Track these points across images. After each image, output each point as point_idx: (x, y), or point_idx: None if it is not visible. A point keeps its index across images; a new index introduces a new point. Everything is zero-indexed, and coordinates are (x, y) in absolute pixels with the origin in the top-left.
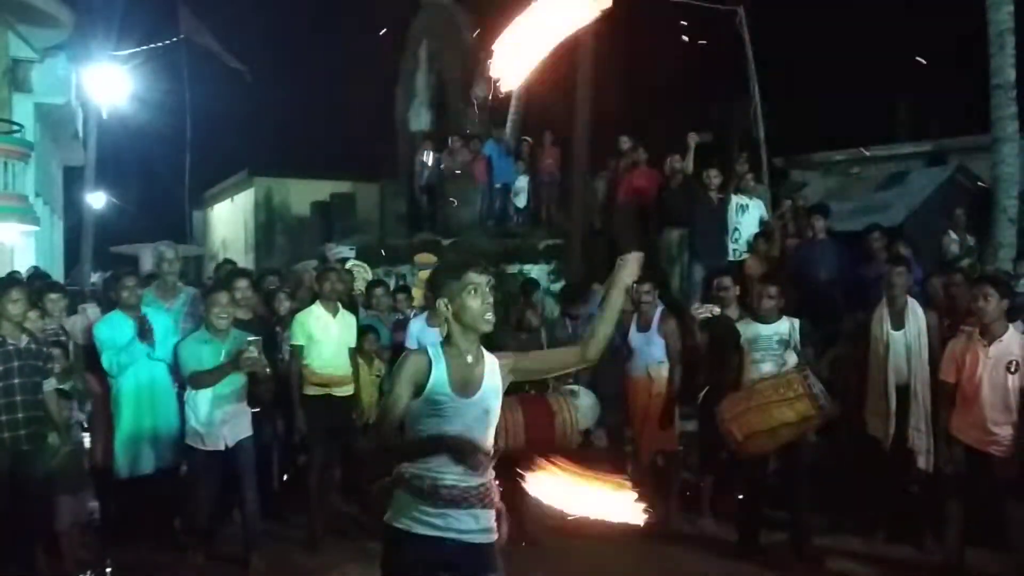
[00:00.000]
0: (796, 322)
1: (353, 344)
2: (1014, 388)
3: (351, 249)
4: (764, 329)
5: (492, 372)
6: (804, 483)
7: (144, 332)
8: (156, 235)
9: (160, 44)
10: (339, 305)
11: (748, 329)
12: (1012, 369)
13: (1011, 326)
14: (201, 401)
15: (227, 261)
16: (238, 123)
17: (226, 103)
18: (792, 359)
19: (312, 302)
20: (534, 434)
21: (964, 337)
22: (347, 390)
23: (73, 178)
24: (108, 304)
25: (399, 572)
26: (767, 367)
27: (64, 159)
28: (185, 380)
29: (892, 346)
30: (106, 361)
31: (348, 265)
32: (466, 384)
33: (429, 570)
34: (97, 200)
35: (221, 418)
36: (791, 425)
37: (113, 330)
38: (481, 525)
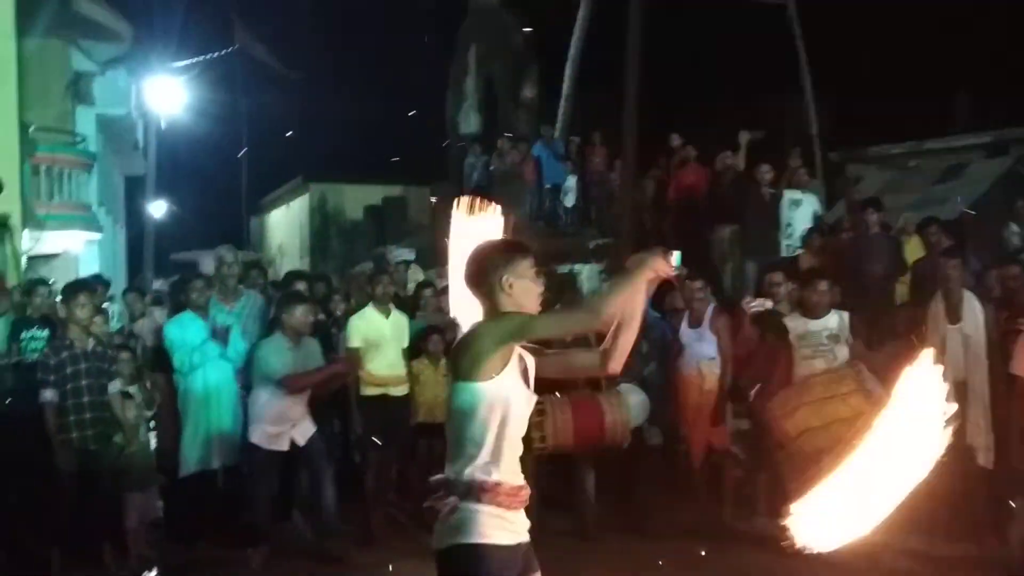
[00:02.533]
0: (846, 316)
1: (406, 344)
2: None
3: (411, 251)
4: (813, 324)
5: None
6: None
7: (217, 333)
8: (215, 242)
9: (215, 55)
10: (392, 307)
11: (797, 324)
12: None
13: None
14: (273, 403)
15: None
16: (293, 131)
17: (280, 111)
18: (843, 354)
19: (366, 304)
20: (583, 434)
21: None
22: (402, 390)
23: (134, 187)
24: (177, 306)
25: None
26: (818, 363)
27: (125, 169)
28: (273, 382)
29: (948, 340)
30: (177, 361)
31: (410, 264)
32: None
33: None
34: (157, 208)
35: (291, 420)
36: (845, 421)
37: (184, 330)
38: (528, 522)
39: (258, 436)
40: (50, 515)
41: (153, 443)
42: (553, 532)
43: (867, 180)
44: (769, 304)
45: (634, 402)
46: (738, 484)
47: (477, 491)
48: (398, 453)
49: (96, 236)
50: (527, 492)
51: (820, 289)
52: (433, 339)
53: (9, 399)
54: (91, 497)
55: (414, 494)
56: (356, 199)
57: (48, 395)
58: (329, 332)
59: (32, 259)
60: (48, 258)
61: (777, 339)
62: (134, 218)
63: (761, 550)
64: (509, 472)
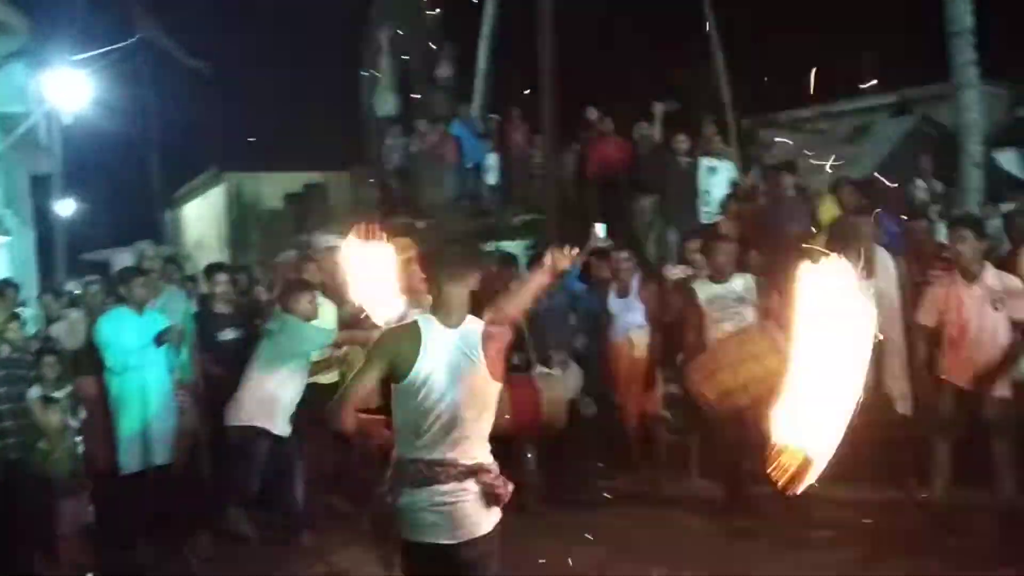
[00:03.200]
0: (751, 278)
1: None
2: (1001, 324)
3: (337, 237)
4: (719, 288)
5: None
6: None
7: (172, 331)
8: (128, 240)
9: (119, 47)
10: (318, 293)
11: (704, 289)
12: (997, 306)
13: (987, 264)
14: (290, 387)
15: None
16: (204, 122)
17: (191, 103)
18: (750, 315)
19: None
20: (521, 416)
21: (944, 281)
22: (331, 377)
23: (41, 187)
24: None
25: None
26: (727, 326)
27: (30, 168)
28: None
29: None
30: (111, 360)
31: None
32: None
33: None
34: (66, 208)
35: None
36: (761, 380)
37: (119, 329)
38: None
39: (262, 419)
40: None
41: (80, 447)
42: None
43: (776, 146)
44: (690, 271)
45: (568, 376)
46: (671, 448)
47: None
48: (333, 440)
49: (3, 239)
50: None
51: (722, 251)
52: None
53: None
54: (18, 506)
55: (352, 480)
56: (274, 188)
57: None
58: (255, 323)
59: None
60: None
61: (692, 305)
62: (42, 218)
63: (694, 512)
64: None
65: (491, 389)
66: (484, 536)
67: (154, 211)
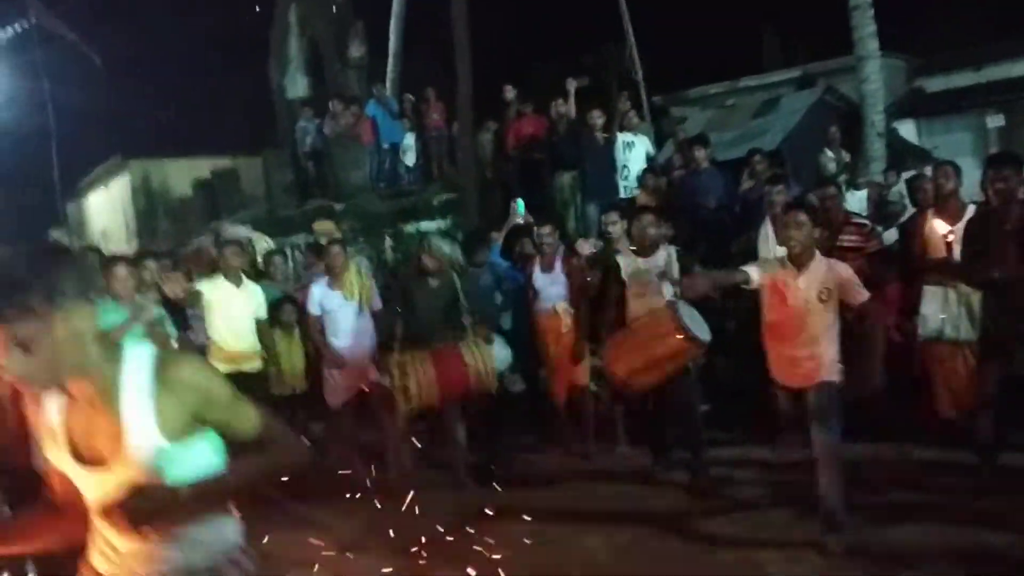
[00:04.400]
0: (673, 251)
1: (261, 316)
2: (825, 316)
3: (246, 226)
4: (643, 263)
5: None
6: (690, 417)
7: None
8: (30, 233)
9: (9, 32)
10: (243, 277)
11: (627, 263)
12: (823, 297)
13: (817, 253)
14: None
15: (91, 249)
16: (107, 109)
17: (92, 91)
18: (669, 291)
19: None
20: (448, 386)
21: (774, 264)
22: (255, 365)
23: None
24: None
25: None
26: (648, 300)
27: None
28: None
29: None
30: None
31: (251, 238)
32: None
33: None
34: None
35: None
36: (667, 360)
37: None
38: None
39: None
40: None
41: None
42: (428, 486)
43: (691, 120)
44: (598, 244)
45: (495, 349)
46: (599, 419)
47: None
48: None
49: None
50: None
51: (646, 224)
52: (286, 309)
53: None
54: None
55: None
56: (182, 174)
57: None
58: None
59: None
60: None
61: (609, 278)
62: None
63: (622, 480)
64: None
65: None
66: None
67: (56, 202)
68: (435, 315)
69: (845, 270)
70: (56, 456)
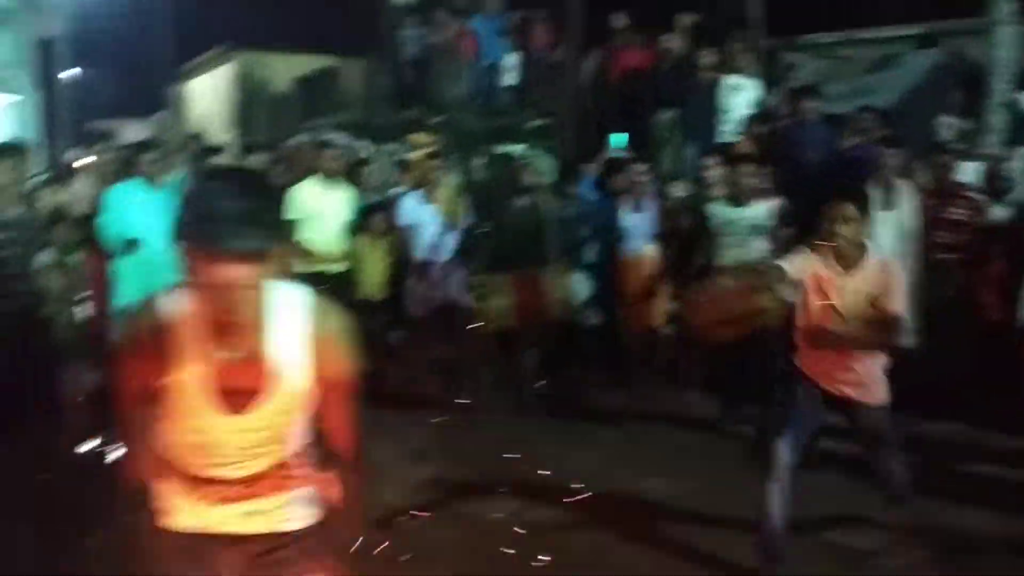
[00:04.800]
0: (775, 204)
1: (349, 219)
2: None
3: (341, 133)
4: (736, 212)
5: None
6: (768, 375)
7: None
8: (132, 111)
9: None
10: (338, 180)
11: (720, 212)
12: (872, 304)
13: (870, 250)
14: None
15: (194, 136)
16: None
17: None
18: (763, 245)
19: (307, 177)
20: (525, 312)
21: (816, 260)
22: (340, 267)
23: (48, 52)
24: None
25: None
26: (739, 252)
27: (39, 30)
28: None
29: (881, 226)
30: (114, 232)
31: (340, 142)
32: None
33: None
34: (73, 75)
35: None
36: (750, 317)
37: (126, 201)
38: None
39: None
40: None
41: (85, 315)
42: (496, 407)
43: (801, 69)
44: (691, 190)
45: (576, 280)
46: (672, 363)
47: None
48: None
49: (11, 99)
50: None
51: (746, 174)
52: (376, 216)
53: None
54: (23, 370)
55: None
56: (284, 70)
57: None
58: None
59: None
60: None
61: (700, 225)
62: (48, 84)
63: (688, 426)
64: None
65: None
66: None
67: (160, 83)
68: (522, 237)
69: (897, 274)
70: (192, 402)
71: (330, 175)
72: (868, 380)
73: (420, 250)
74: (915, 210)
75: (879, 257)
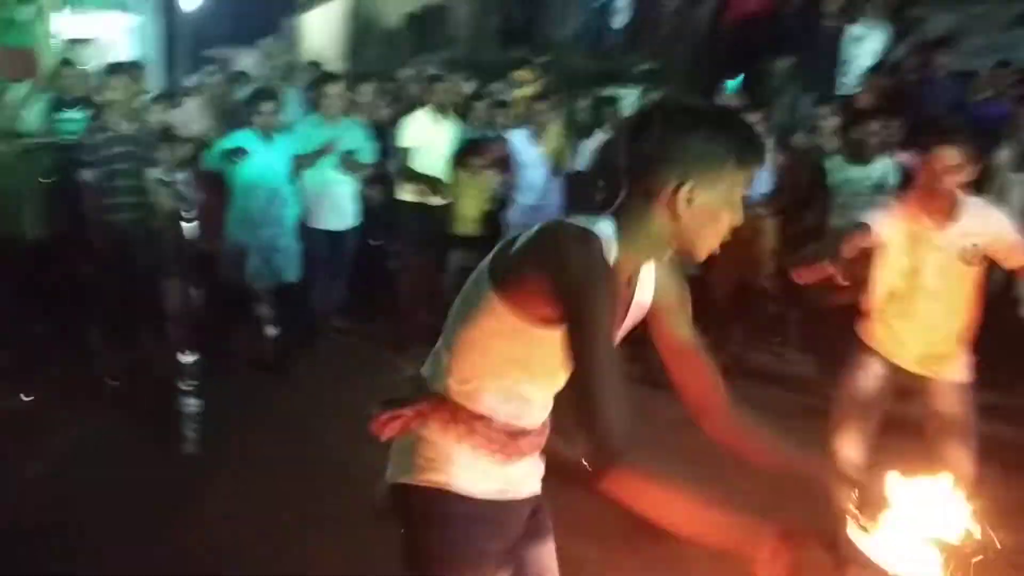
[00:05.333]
0: (895, 163)
1: (453, 153)
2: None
3: (443, 66)
4: (855, 171)
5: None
6: None
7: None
8: (249, 40)
9: None
10: (444, 115)
11: (838, 169)
12: (968, 259)
13: (963, 198)
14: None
15: (312, 64)
16: None
17: None
18: (886, 205)
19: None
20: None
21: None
22: (440, 200)
23: None
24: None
25: None
26: (856, 213)
27: None
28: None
29: (1012, 190)
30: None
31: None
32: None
33: None
34: (194, 1)
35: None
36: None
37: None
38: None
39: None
40: (89, 294)
41: (193, 233)
42: None
43: (931, 22)
44: (807, 142)
45: None
46: (771, 320)
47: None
48: (434, 263)
49: (132, 20)
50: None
51: (870, 130)
52: (478, 151)
53: (47, 179)
54: (129, 280)
55: (442, 305)
56: (395, 5)
57: (86, 176)
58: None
59: (68, 43)
60: (83, 42)
61: (820, 184)
62: (169, 9)
63: (785, 384)
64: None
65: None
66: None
67: (278, 14)
68: None
69: (999, 220)
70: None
71: (440, 109)
72: (953, 354)
73: (520, 192)
74: None
75: (974, 201)
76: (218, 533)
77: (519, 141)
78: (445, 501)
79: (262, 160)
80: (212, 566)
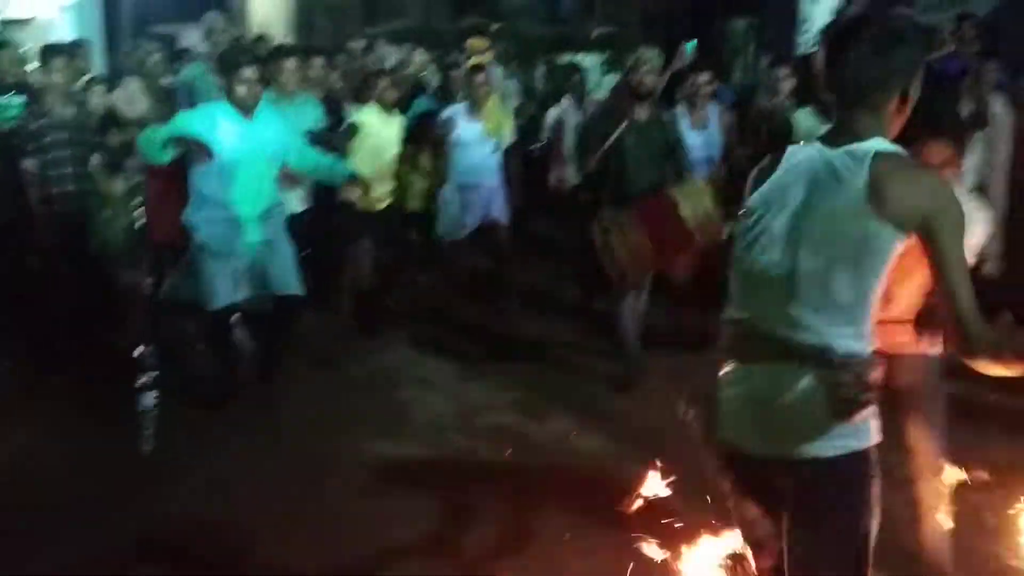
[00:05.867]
0: None
1: (396, 150)
2: None
3: (395, 37)
4: (825, 124)
5: None
6: None
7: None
8: (194, 16)
9: None
10: (391, 111)
11: (806, 121)
12: None
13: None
14: None
15: (259, 39)
16: None
17: None
18: None
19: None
20: (662, 241)
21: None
22: (387, 202)
23: None
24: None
25: None
26: None
27: None
28: None
29: (975, 144)
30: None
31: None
32: None
33: None
34: None
35: None
36: None
37: (202, 125)
38: None
39: None
40: (36, 285)
41: (142, 219)
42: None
43: None
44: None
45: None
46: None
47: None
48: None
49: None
50: None
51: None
52: (424, 127)
53: None
54: (79, 274)
55: (400, 283)
56: None
57: (28, 164)
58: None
59: (1, 24)
60: (18, 23)
61: (780, 135)
62: None
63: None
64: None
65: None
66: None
67: None
68: (644, 159)
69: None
70: None
71: (386, 105)
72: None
73: (460, 171)
74: (1007, 128)
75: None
76: (173, 525)
77: (456, 116)
78: (868, 461)
79: (239, 143)
80: (165, 556)
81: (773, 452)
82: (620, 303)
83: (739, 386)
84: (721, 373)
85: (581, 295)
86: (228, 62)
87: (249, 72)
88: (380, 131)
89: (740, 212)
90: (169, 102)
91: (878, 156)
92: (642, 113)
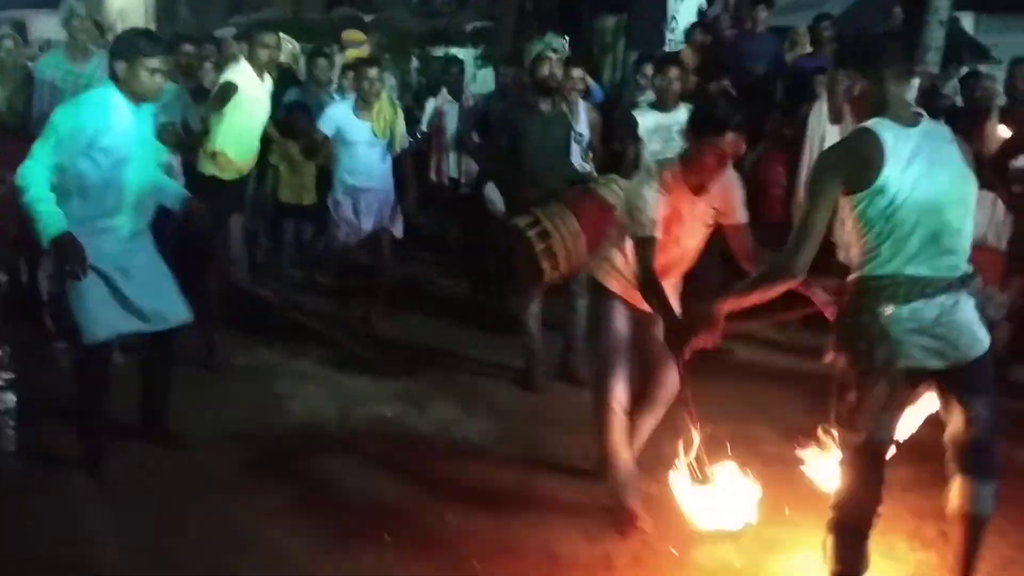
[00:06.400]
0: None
1: (265, 115)
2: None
3: (263, 27)
4: (665, 117)
5: None
6: None
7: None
8: (49, 1)
9: None
10: (267, 74)
11: (647, 118)
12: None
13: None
14: None
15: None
16: None
17: None
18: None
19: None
20: (598, 237)
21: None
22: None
23: None
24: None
25: None
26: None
27: None
28: None
29: (828, 140)
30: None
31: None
32: None
33: None
34: None
35: None
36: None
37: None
38: None
39: None
40: None
41: None
42: None
43: None
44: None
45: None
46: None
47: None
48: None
49: None
50: None
51: (671, 77)
52: (299, 119)
53: None
54: None
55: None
56: None
57: None
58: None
59: None
60: None
61: (631, 134)
62: None
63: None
64: None
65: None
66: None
67: None
68: (551, 154)
69: (738, 190)
70: None
71: (259, 66)
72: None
73: (348, 173)
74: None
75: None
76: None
77: (340, 112)
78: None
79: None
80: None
81: (956, 357)
82: (529, 301)
83: (913, 320)
84: (883, 317)
85: (463, 287)
86: (130, 46)
87: (157, 62)
88: (252, 91)
89: None
90: (26, 91)
91: None
92: (546, 106)
